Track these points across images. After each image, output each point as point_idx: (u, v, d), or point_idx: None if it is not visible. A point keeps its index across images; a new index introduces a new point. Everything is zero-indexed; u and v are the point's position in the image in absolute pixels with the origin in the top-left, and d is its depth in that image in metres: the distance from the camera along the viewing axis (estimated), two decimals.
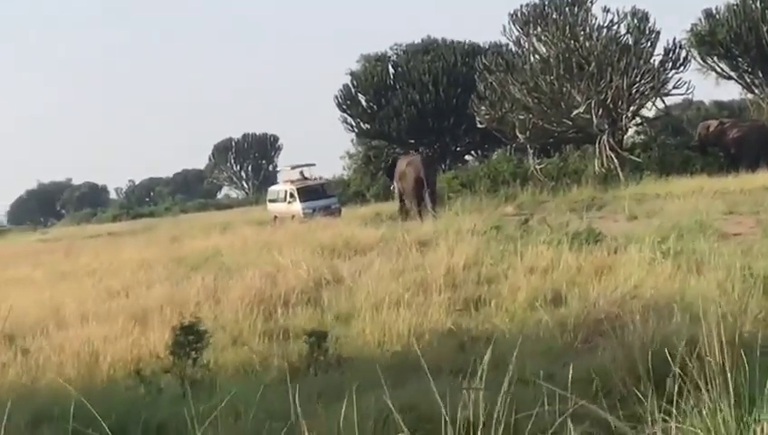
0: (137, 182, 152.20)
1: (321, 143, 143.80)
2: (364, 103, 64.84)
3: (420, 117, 61.62)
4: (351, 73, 65.91)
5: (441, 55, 63.66)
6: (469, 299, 12.33)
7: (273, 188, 54.60)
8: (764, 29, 48.61)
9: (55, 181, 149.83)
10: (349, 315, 11.63)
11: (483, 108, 48.82)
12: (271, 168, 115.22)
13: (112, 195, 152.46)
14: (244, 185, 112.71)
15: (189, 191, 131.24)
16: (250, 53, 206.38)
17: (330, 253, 21.64)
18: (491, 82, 48.04)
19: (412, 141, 63.76)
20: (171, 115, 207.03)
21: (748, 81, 52.38)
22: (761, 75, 51.17)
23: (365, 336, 10.16)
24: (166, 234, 42.85)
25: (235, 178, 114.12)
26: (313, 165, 52.45)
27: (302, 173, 51.91)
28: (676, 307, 8.88)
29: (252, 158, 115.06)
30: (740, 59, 51.20)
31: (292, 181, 50.39)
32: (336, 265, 16.91)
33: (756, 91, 52.22)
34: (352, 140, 65.97)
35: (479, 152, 65.33)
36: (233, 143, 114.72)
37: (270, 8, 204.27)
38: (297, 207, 46.88)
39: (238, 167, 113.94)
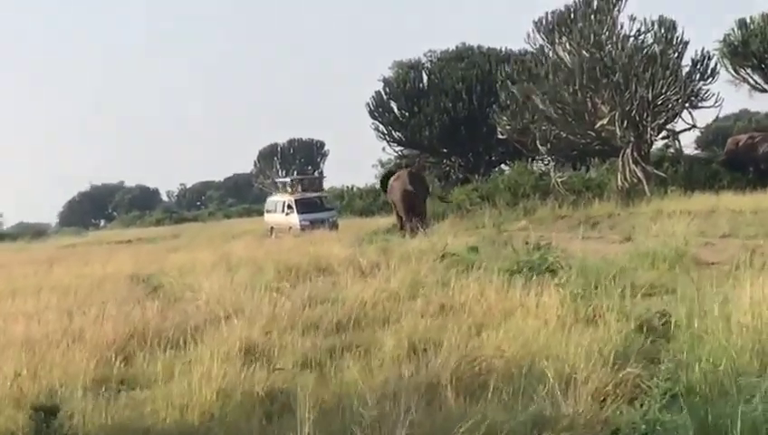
0: (188, 186, 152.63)
1: (365, 149, 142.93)
2: (396, 111, 63.65)
3: (453, 125, 60.28)
4: (384, 80, 64.82)
5: (475, 63, 62.44)
6: (337, 347, 11.00)
7: (270, 198, 54.69)
8: None
9: (107, 184, 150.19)
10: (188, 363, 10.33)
11: (504, 118, 47.52)
12: (317, 173, 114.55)
13: (164, 198, 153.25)
14: (289, 190, 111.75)
15: (240, 195, 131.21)
16: (300, 57, 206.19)
17: (287, 274, 20.65)
18: (512, 92, 46.67)
19: (444, 150, 62.81)
20: (225, 119, 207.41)
21: None
22: None
23: (170, 399, 8.84)
24: (171, 244, 42.41)
25: (279, 184, 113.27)
26: (316, 177, 52.10)
27: (300, 184, 51.57)
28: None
29: (297, 163, 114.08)
30: None
31: (290, 193, 50.05)
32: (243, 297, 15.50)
33: None
34: (384, 148, 64.61)
35: (513, 162, 63.88)
36: (278, 148, 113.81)
37: (314, 14, 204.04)
38: (294, 218, 46.49)
39: (284, 172, 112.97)
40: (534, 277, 15.48)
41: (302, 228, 43.97)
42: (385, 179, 40.77)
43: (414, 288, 15.52)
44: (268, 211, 52.02)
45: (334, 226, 45.55)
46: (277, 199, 51.60)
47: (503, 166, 64.05)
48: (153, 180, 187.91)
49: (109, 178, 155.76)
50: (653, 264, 17.70)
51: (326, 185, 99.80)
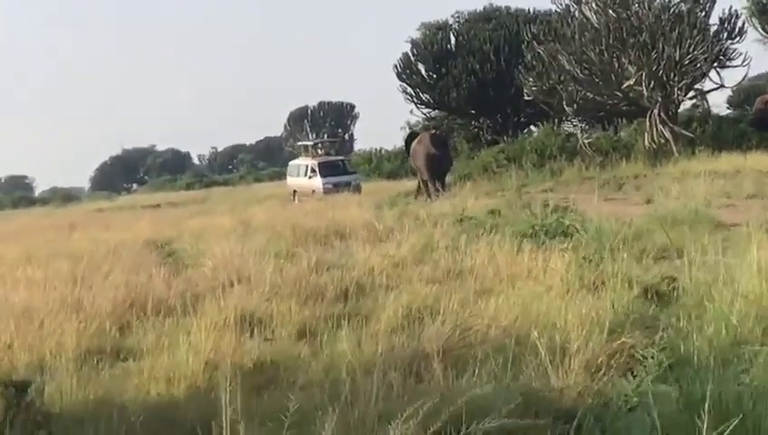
0: (219, 149, 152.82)
1: (396, 111, 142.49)
2: (423, 73, 63.12)
3: (481, 87, 59.77)
4: (411, 42, 64.37)
5: (503, 24, 61.84)
6: (336, 316, 10.76)
7: (293, 162, 54.49)
8: None
9: (139, 148, 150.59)
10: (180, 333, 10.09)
11: (530, 79, 47.13)
12: (347, 136, 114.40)
13: (195, 161, 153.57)
14: (320, 153, 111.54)
15: (272, 159, 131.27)
16: (330, 19, 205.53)
17: (304, 239, 20.40)
18: (538, 53, 46.22)
19: (472, 112, 62.34)
20: (255, 82, 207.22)
21: None
22: None
23: (156, 372, 8.63)
24: (197, 209, 42.35)
25: (310, 147, 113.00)
26: (336, 140, 51.85)
27: (323, 147, 51.51)
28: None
29: (328, 126, 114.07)
30: None
31: (313, 156, 49.88)
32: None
33: None
34: (411, 111, 64.23)
35: (543, 123, 63.37)
36: (308, 111, 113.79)
37: None
38: (318, 182, 46.36)
39: (314, 135, 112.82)
40: (548, 241, 15.26)
41: (326, 192, 43.74)
42: (409, 141, 40.33)
43: (424, 253, 15.28)
44: (290, 175, 51.82)
45: (357, 189, 45.21)
46: (300, 163, 51.38)
47: (531, 127, 63.57)
48: (185, 144, 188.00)
49: (141, 141, 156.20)
50: (672, 226, 17.28)
51: (356, 147, 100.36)
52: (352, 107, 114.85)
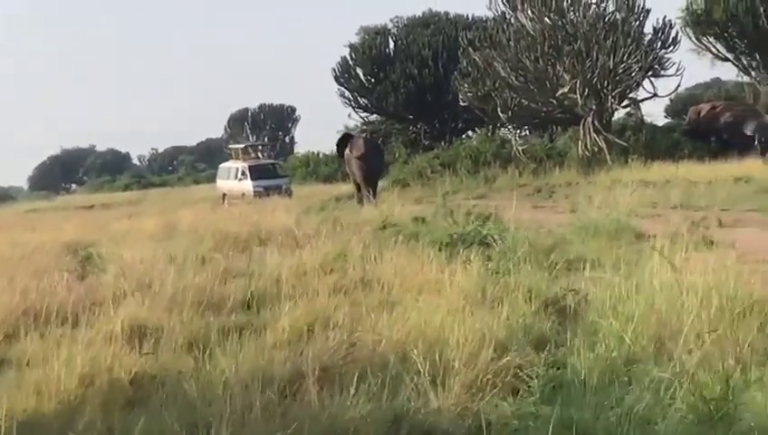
0: (160, 150, 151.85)
1: (338, 116, 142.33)
2: (362, 77, 63.13)
3: (419, 92, 59.78)
4: (350, 46, 64.21)
5: (442, 29, 61.88)
6: (230, 327, 10.42)
7: (223, 165, 54.23)
8: (762, 9, 46.28)
9: (79, 147, 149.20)
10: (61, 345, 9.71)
11: (465, 85, 47.05)
12: (288, 139, 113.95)
13: (135, 162, 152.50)
14: (260, 156, 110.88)
15: (212, 160, 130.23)
16: (272, 22, 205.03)
17: (224, 244, 20.04)
18: (474, 59, 46.10)
19: (410, 117, 62.32)
20: (197, 84, 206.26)
21: (745, 63, 49.96)
22: (758, 57, 48.83)
23: (29, 386, 8.24)
24: (128, 211, 41.91)
25: (250, 149, 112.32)
26: (268, 145, 51.68)
27: (254, 151, 51.38)
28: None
29: (268, 129, 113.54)
30: (737, 40, 48.84)
31: (243, 159, 49.72)
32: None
33: (753, 73, 49.87)
34: (349, 115, 64.03)
35: (480, 129, 63.29)
36: (249, 113, 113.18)
37: None
38: (248, 185, 46.11)
39: (254, 137, 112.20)
40: (463, 251, 15.03)
41: (256, 195, 43.45)
42: (340, 145, 40.06)
43: (337, 261, 14.99)
44: (221, 178, 51.61)
45: (288, 193, 44.99)
46: (230, 166, 51.13)
47: (470, 133, 63.46)
48: (125, 144, 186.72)
49: (81, 141, 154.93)
50: (592, 236, 17.17)
51: (297, 150, 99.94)
52: (293, 110, 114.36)
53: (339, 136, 42.01)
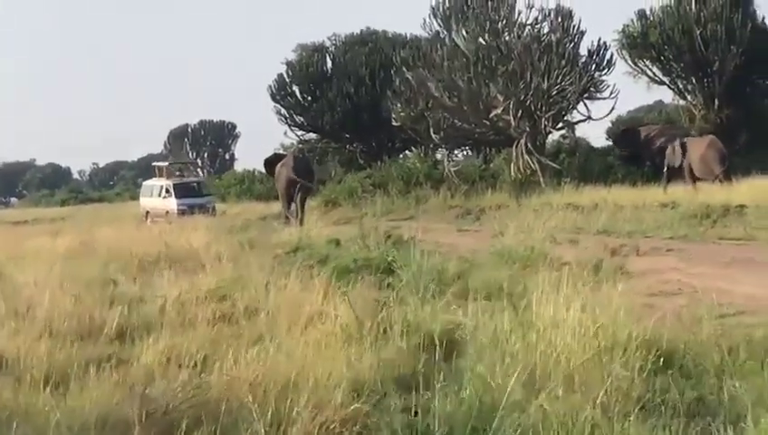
0: (101, 165, 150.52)
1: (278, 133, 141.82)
2: (298, 95, 62.31)
3: (355, 111, 59.07)
4: (287, 63, 63.42)
5: (380, 48, 61.13)
6: (94, 359, 9.80)
7: (147, 182, 53.55)
8: (698, 32, 46.27)
9: (19, 161, 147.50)
10: None
11: (398, 105, 46.57)
12: (228, 156, 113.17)
13: (76, 177, 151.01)
14: (200, 172, 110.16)
15: (152, 176, 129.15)
16: (215, 39, 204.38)
17: (135, 264, 19.40)
18: (407, 78, 45.64)
19: (347, 136, 61.68)
20: (140, 99, 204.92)
21: (681, 86, 49.97)
22: (693, 81, 48.80)
23: None
24: (55, 226, 40.88)
25: (190, 166, 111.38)
26: (192, 163, 51.09)
27: (180, 171, 50.72)
28: None
29: (208, 145, 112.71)
30: (673, 63, 48.80)
31: (168, 177, 49.06)
32: None
33: (689, 97, 49.83)
34: (285, 133, 63.23)
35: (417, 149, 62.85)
36: (189, 129, 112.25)
37: None
38: (172, 203, 45.39)
39: (194, 154, 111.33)
40: (363, 278, 14.51)
41: (180, 213, 42.78)
42: (268, 164, 39.53)
43: (232, 287, 14.37)
44: (144, 196, 50.87)
45: (212, 211, 44.38)
46: (154, 183, 50.43)
47: (407, 153, 62.87)
48: (67, 159, 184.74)
49: (21, 155, 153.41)
50: (506, 262, 16.71)
51: (236, 167, 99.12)
52: (234, 126, 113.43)
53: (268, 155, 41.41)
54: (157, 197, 48.15)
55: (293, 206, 37.07)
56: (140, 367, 9.26)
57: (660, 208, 27.81)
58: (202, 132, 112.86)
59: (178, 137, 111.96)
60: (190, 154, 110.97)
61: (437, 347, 9.16)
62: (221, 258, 18.22)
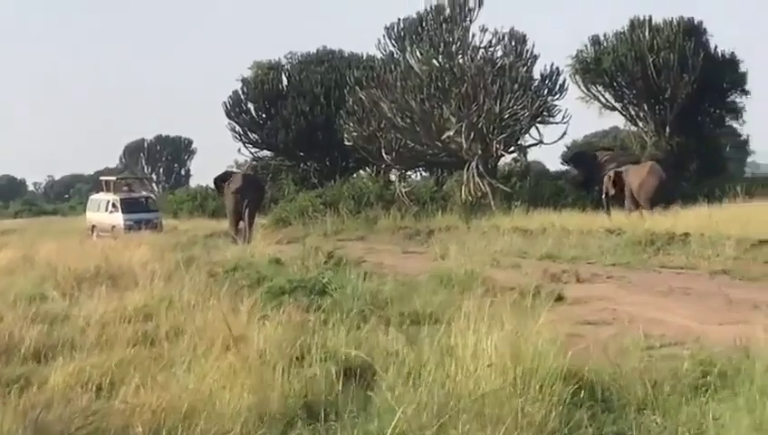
0: (57, 178, 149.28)
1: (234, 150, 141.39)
2: (253, 112, 62.01)
3: (310, 129, 58.74)
4: (242, 80, 63.12)
5: (336, 67, 60.98)
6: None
7: (93, 196, 53.12)
8: (650, 60, 46.50)
9: None
10: None
11: (351, 124, 46.31)
12: (183, 171, 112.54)
13: (31, 189, 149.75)
14: (155, 187, 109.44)
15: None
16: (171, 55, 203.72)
17: (71, 280, 18.98)
18: (360, 98, 45.42)
19: (301, 154, 61.30)
20: (97, 113, 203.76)
21: (633, 113, 50.23)
22: (645, 108, 49.02)
23: None
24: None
25: (145, 181, 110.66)
26: (141, 178, 50.83)
27: (127, 186, 50.34)
28: None
29: (164, 160, 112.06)
30: (625, 90, 49.01)
31: (115, 191, 48.67)
32: None
33: (641, 124, 50.04)
34: (239, 150, 62.87)
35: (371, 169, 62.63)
36: (145, 144, 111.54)
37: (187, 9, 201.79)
38: (119, 218, 44.94)
39: (150, 169, 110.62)
40: (294, 300, 14.29)
41: (127, 228, 42.39)
42: (219, 181, 39.32)
43: (159, 307, 14.04)
44: (90, 210, 50.33)
45: (158, 227, 43.99)
46: (101, 198, 49.93)
47: (361, 172, 62.64)
48: (22, 171, 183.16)
49: None
50: (445, 286, 16.51)
51: (192, 183, 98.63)
52: (190, 142, 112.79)
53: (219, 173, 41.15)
54: (104, 211, 47.62)
55: (241, 224, 36.95)
56: (47, 389, 8.93)
57: (606, 235, 27.65)
58: (158, 147, 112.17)
59: (134, 151, 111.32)
60: (146, 169, 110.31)
61: (353, 375, 9.02)
62: (155, 276, 17.87)
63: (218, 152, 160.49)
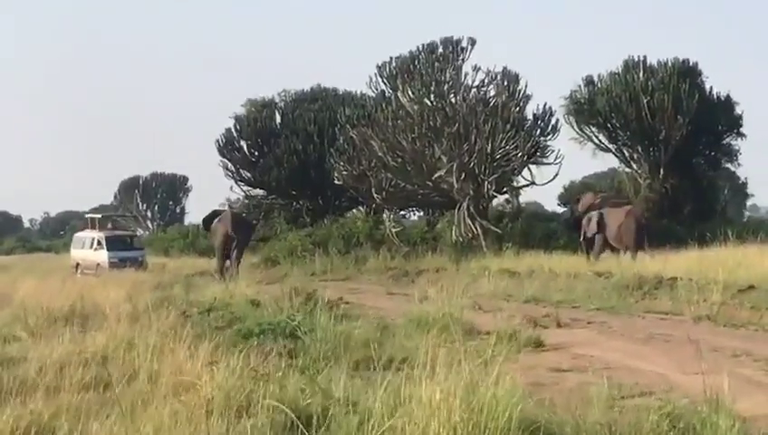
0: (52, 215, 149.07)
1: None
2: (246, 149, 61.51)
3: (302, 168, 58.26)
4: (235, 117, 62.80)
5: (329, 105, 60.54)
6: None
7: (78, 234, 52.99)
8: (644, 101, 46.23)
9: None
10: None
11: (341, 163, 45.94)
12: (179, 209, 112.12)
13: (27, 226, 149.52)
14: (149, 225, 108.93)
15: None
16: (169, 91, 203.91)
17: (43, 320, 18.62)
18: (351, 136, 45.07)
19: (294, 192, 60.84)
20: (94, 149, 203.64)
21: (627, 154, 49.92)
22: (640, 150, 48.71)
23: None
24: None
25: (140, 217, 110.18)
26: (124, 216, 50.80)
27: (112, 223, 50.16)
28: None
29: (159, 197, 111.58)
30: (619, 131, 48.72)
31: (100, 229, 48.46)
32: None
33: (634, 166, 49.71)
34: (231, 188, 62.35)
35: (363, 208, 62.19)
36: (140, 181, 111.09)
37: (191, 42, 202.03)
38: (103, 255, 44.73)
39: (144, 206, 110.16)
40: (261, 343, 13.92)
41: (111, 266, 42.16)
42: (208, 219, 39.08)
43: (120, 349, 13.60)
44: (75, 247, 50.04)
45: (142, 265, 43.69)
46: (86, 235, 49.68)
47: (355, 211, 62.21)
48: (18, 207, 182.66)
49: None
50: (423, 330, 16.05)
51: (187, 221, 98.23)
52: (186, 179, 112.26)
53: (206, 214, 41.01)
54: (88, 248, 47.36)
55: (228, 262, 36.70)
56: None
57: (594, 278, 27.23)
58: (153, 184, 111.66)
59: (129, 188, 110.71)
60: (141, 206, 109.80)
61: (302, 425, 8.57)
62: (122, 317, 17.43)
63: (214, 190, 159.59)
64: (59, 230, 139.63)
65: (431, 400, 8.22)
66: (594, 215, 35.75)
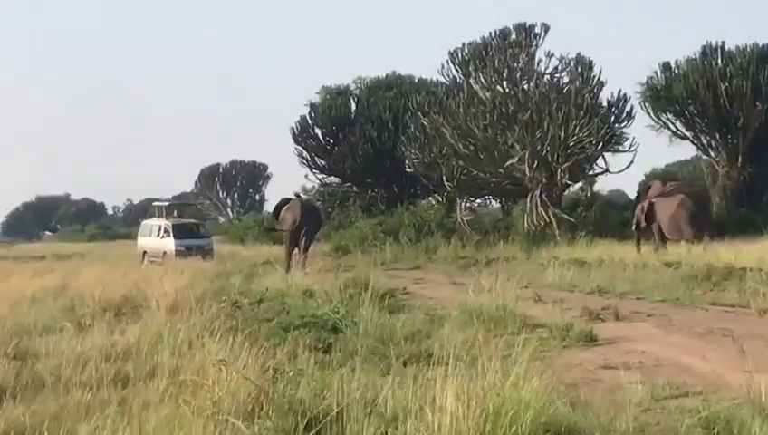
0: (135, 202, 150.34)
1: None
2: (320, 137, 61.36)
3: (377, 155, 57.91)
4: (310, 105, 62.56)
5: (404, 93, 60.00)
6: None
7: (146, 222, 53.08)
8: (722, 87, 45.12)
9: (54, 195, 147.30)
10: None
11: (412, 150, 45.50)
12: (258, 196, 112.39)
13: (110, 212, 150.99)
14: (229, 212, 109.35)
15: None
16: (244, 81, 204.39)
17: (97, 311, 18.39)
18: (423, 124, 44.59)
19: (368, 180, 60.53)
20: (179, 138, 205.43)
21: (704, 142, 48.81)
22: (717, 137, 47.61)
23: None
24: (59, 264, 39.95)
25: (220, 205, 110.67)
26: (193, 205, 50.81)
27: (176, 212, 49.99)
28: None
29: (239, 185, 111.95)
30: (696, 118, 47.64)
31: (167, 217, 48.35)
32: None
33: (712, 153, 48.60)
34: (306, 175, 62.10)
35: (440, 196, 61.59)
36: (220, 169, 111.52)
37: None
38: (170, 243, 44.56)
39: (224, 193, 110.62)
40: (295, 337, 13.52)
41: (178, 254, 41.99)
42: (278, 208, 38.79)
43: (156, 343, 13.19)
44: (142, 235, 49.99)
45: (209, 254, 43.55)
46: (153, 223, 49.63)
47: (430, 199, 61.68)
48: (101, 195, 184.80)
49: (56, 189, 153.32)
50: (479, 322, 15.53)
51: (266, 208, 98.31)
52: (265, 167, 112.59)
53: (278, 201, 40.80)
54: (155, 237, 47.29)
55: (296, 251, 36.42)
56: None
57: (663, 268, 26.46)
58: (233, 172, 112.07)
59: (209, 176, 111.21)
60: (221, 194, 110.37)
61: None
62: (165, 308, 17.06)
63: (293, 178, 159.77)
64: (141, 217, 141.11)
65: (443, 405, 7.76)
66: (644, 205, 34.81)
